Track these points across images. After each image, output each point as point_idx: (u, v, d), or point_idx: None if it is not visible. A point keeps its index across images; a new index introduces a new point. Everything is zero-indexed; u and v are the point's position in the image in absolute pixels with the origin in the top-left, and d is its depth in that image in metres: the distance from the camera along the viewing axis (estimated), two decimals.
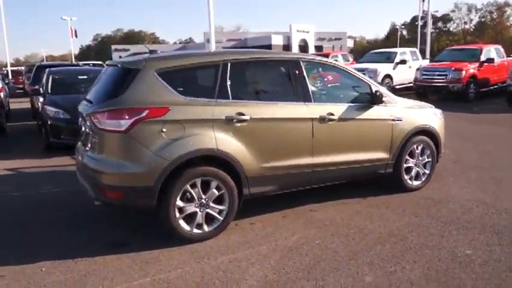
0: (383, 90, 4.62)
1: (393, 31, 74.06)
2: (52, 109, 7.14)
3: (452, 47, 17.06)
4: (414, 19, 73.50)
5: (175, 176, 3.45)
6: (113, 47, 56.33)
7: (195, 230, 3.64)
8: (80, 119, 4.06)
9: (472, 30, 63.45)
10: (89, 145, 3.70)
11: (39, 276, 3.19)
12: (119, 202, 3.53)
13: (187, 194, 3.57)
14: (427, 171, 5.06)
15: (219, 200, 3.71)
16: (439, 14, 58.37)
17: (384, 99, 4.44)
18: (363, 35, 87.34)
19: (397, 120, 4.65)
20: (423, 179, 5.04)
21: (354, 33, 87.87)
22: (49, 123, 7.08)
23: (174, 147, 3.42)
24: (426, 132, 4.92)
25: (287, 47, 52.88)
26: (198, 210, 3.62)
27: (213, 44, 11.76)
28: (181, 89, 3.57)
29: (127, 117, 3.34)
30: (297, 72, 4.08)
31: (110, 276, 3.15)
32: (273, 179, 3.94)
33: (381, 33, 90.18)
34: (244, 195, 3.82)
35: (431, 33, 44.60)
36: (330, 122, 4.17)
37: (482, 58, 13.68)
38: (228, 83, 3.73)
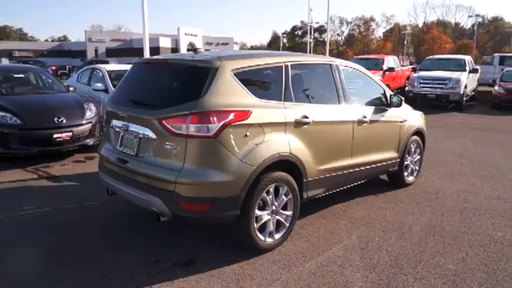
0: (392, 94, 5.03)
1: (275, 39, 78.56)
2: None
3: (358, 57, 18.90)
4: (294, 28, 79.32)
5: (256, 183, 3.28)
6: None
7: (268, 239, 3.50)
8: (118, 122, 3.57)
9: (343, 41, 71.00)
10: (149, 152, 3.26)
11: None
12: (203, 216, 3.18)
13: (260, 201, 3.42)
14: (417, 168, 5.65)
15: (284, 206, 3.63)
16: (315, 25, 63.64)
17: (401, 103, 4.85)
18: (244, 41, 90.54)
19: (404, 121, 5.12)
20: (415, 174, 5.63)
21: (237, 39, 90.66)
22: None
23: (257, 152, 3.25)
24: (418, 132, 5.50)
25: (175, 50, 52.17)
26: (270, 217, 3.50)
27: (147, 49, 10.92)
28: (254, 91, 3.39)
29: (216, 120, 3.05)
30: (338, 75, 4.22)
31: None
32: (324, 182, 3.99)
33: (263, 40, 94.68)
34: (303, 199, 3.80)
35: (310, 42, 48.56)
36: (364, 124, 4.39)
37: (385, 67, 15.56)
38: (291, 85, 3.67)
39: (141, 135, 3.34)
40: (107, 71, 8.71)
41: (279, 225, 3.61)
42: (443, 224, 4.25)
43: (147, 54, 12.30)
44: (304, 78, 4.00)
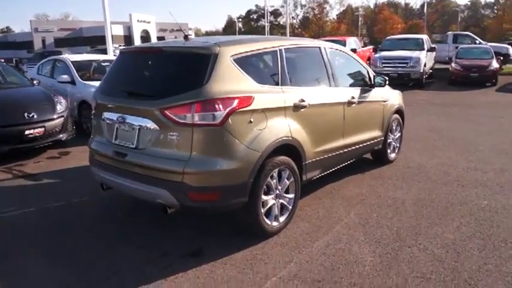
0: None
1: (230, 24, 77.79)
2: None
3: (321, 39, 19.06)
4: (249, 13, 78.76)
5: (262, 168, 3.28)
6: None
7: (274, 223, 3.52)
8: (111, 115, 3.44)
9: (298, 24, 71.51)
10: (151, 144, 3.16)
11: None
12: (212, 204, 3.13)
13: (265, 187, 3.42)
14: (398, 145, 5.86)
15: (287, 189, 3.66)
16: (270, 9, 63.54)
17: (385, 83, 4.98)
18: (198, 27, 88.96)
19: (386, 101, 5.26)
20: (396, 151, 5.83)
21: (191, 25, 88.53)
22: None
23: (262, 138, 3.24)
24: (398, 110, 5.68)
25: (128, 38, 50.37)
26: (274, 202, 3.52)
27: (110, 37, 10.44)
28: (254, 76, 3.36)
29: (221, 108, 3.00)
30: (327, 57, 4.26)
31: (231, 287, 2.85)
32: (320, 163, 4.06)
33: (219, 25, 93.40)
34: (303, 181, 3.85)
35: (266, 26, 48.56)
36: (353, 105, 4.48)
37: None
38: (286, 69, 3.68)
39: (140, 127, 3.22)
40: (72, 62, 8.30)
41: (282, 208, 3.64)
42: (432, 196, 4.45)
43: (109, 42, 11.87)
44: (297, 61, 3.99)
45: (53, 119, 6.15)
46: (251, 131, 3.19)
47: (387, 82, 5.01)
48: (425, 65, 14.79)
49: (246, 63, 3.34)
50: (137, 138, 3.26)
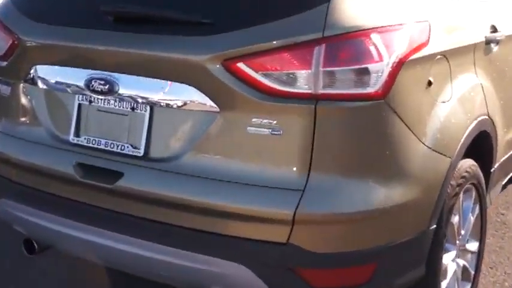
0: None
1: None
2: None
3: None
4: None
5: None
6: None
7: None
8: (63, 72, 2.72)
9: None
10: (191, 147, 2.32)
11: None
12: None
13: None
14: None
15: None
16: None
17: None
18: None
19: None
20: None
21: None
22: None
23: (451, 122, 2.62)
24: None
25: None
26: (455, 267, 2.90)
27: None
28: None
29: (381, 53, 2.20)
30: None
31: None
32: (506, 166, 3.84)
33: None
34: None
35: None
36: None
37: None
38: None
39: (155, 105, 2.33)
40: None
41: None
42: None
43: None
44: None
45: None
46: (432, 108, 2.48)
47: None
48: None
49: None
50: (148, 131, 2.34)
